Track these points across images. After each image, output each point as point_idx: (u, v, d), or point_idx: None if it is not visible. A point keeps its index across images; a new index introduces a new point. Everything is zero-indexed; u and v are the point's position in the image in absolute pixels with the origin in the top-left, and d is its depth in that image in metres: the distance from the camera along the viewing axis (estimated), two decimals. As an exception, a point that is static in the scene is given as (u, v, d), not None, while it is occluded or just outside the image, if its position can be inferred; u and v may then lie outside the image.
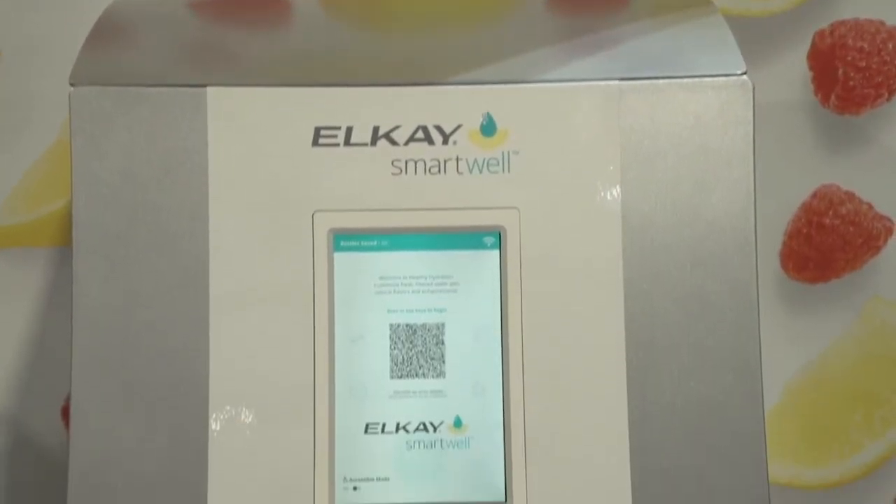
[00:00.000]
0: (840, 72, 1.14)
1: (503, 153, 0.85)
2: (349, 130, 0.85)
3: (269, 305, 0.82)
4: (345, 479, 0.82)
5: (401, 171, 0.85)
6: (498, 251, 0.85)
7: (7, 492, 1.09)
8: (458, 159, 0.85)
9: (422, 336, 0.84)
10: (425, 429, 0.84)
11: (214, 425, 0.82)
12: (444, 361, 0.84)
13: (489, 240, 0.85)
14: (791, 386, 1.15)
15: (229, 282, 0.82)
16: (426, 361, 0.84)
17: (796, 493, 1.14)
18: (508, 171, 0.84)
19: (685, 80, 0.86)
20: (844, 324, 1.15)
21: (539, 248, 0.84)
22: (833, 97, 1.15)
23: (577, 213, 0.84)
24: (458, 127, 0.85)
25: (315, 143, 0.84)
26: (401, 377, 0.84)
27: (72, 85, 0.83)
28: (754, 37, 1.14)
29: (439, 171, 0.85)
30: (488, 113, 0.85)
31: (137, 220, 0.83)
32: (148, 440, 0.81)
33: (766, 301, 1.12)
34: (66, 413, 1.10)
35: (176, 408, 0.81)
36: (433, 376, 0.84)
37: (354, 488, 0.83)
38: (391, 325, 0.84)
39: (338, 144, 0.85)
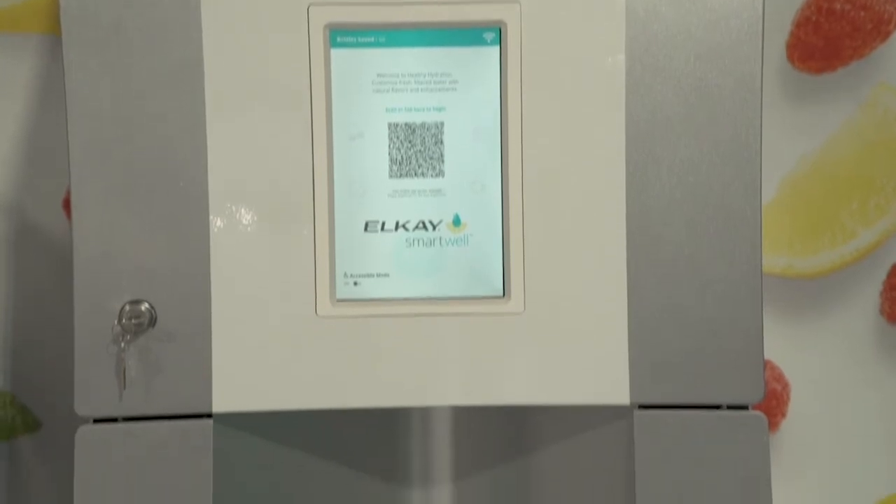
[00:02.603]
0: None
1: (504, -56, 0.81)
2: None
3: (266, 103, 0.81)
4: (345, 274, 0.84)
5: (399, -38, 0.82)
6: (498, 47, 0.83)
7: (15, 279, 1.11)
8: (457, -50, 0.82)
9: (420, 135, 0.84)
10: (424, 227, 0.84)
11: (215, 223, 0.82)
12: (443, 160, 0.84)
13: (489, 35, 0.83)
14: (789, 178, 1.15)
15: (224, 79, 0.81)
16: (425, 161, 0.84)
17: (788, 283, 1.16)
18: (509, -37, 0.82)
19: None
20: (847, 114, 1.14)
21: (540, 43, 0.82)
22: None
23: (580, 6, 0.82)
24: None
25: (309, -67, 0.81)
26: (400, 176, 0.84)
27: None
28: None
29: (438, -38, 0.82)
30: None
31: (129, 11, 0.81)
32: (149, 233, 0.82)
33: (769, 94, 1.10)
34: (67, 204, 1.10)
35: (176, 204, 0.82)
36: (432, 175, 0.84)
37: (355, 283, 0.84)
38: (390, 125, 0.83)
39: (332, -66, 0.81)
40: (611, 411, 0.84)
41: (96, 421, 0.82)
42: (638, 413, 0.83)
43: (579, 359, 0.83)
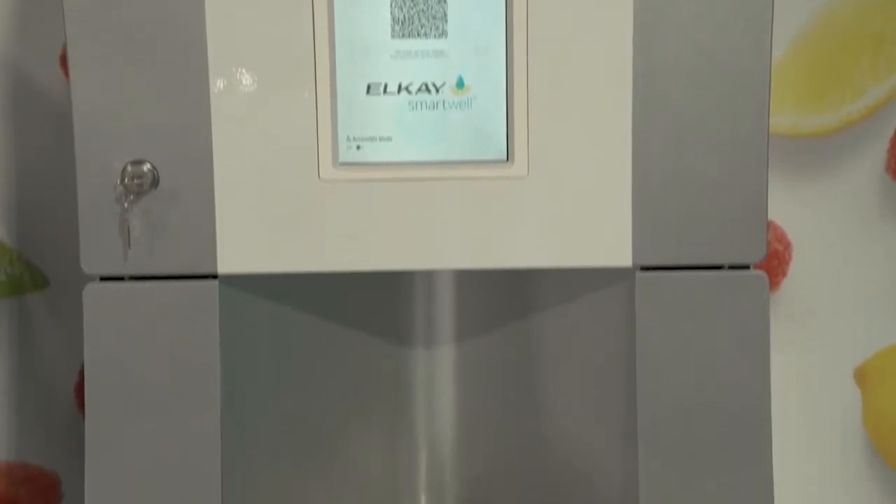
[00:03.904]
0: None
1: None
2: None
3: (265, -40, 0.80)
4: (348, 138, 0.83)
5: None
6: None
7: (16, 136, 1.11)
8: None
9: (423, -7, 0.82)
10: (427, 90, 0.83)
11: (215, 84, 0.81)
12: (446, 20, 0.82)
13: None
14: (798, 34, 1.13)
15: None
16: (428, 20, 0.82)
17: (793, 142, 1.16)
18: None
19: None
20: (862, -33, 1.12)
21: None
22: None
23: None
24: None
25: None
26: (402, 37, 0.82)
27: None
28: None
29: None
30: None
31: None
32: (149, 93, 0.81)
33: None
34: (63, 61, 1.09)
35: (175, 64, 0.81)
36: (435, 36, 0.82)
37: (358, 147, 0.84)
38: (391, -18, 0.82)
39: None
40: (612, 274, 0.85)
41: (103, 279, 0.83)
42: (640, 275, 0.84)
43: (582, 221, 0.83)
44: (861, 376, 1.18)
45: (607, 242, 0.83)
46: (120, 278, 0.83)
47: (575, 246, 0.84)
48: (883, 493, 1.19)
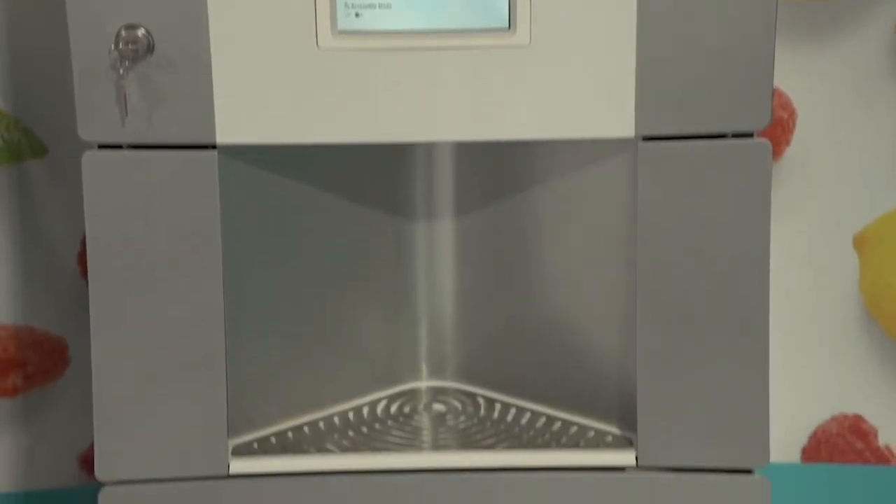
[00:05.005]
0: None
1: None
2: None
3: None
4: (346, 4, 0.81)
5: None
6: None
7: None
8: None
9: None
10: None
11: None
12: None
13: None
14: None
15: None
16: None
17: (799, 7, 1.13)
18: None
19: None
20: None
21: None
22: None
23: None
24: None
25: None
26: None
27: None
28: None
29: None
30: None
31: None
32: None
33: None
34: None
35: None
36: None
37: (356, 15, 0.82)
38: None
39: None
40: (615, 145, 0.84)
41: (101, 147, 0.83)
42: (642, 145, 0.83)
43: (585, 92, 0.82)
44: (860, 242, 1.18)
45: (610, 113, 0.82)
46: (118, 146, 0.83)
47: (577, 117, 0.83)
48: (879, 358, 1.21)
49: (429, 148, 0.97)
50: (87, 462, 1.16)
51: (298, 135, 0.83)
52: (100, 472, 0.86)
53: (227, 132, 0.82)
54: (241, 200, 0.87)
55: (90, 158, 0.83)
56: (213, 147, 0.82)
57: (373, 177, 0.96)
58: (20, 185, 1.14)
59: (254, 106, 0.82)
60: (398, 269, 1.00)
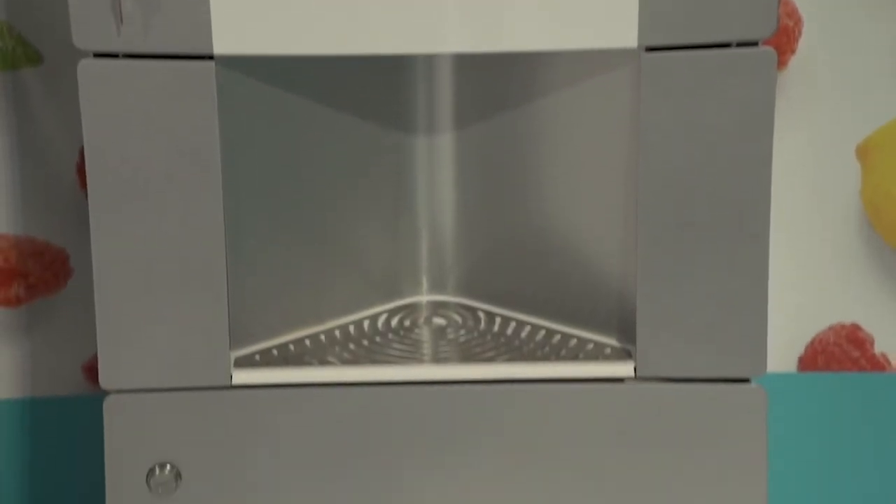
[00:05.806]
0: None
1: None
2: None
3: None
4: None
5: None
6: None
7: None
8: None
9: None
10: None
11: None
12: None
13: None
14: None
15: None
16: None
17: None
18: None
19: None
20: None
21: None
22: None
23: None
24: None
25: None
26: None
27: None
28: None
29: None
30: None
31: None
32: None
33: None
34: None
35: None
36: None
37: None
38: None
39: None
40: (617, 56, 0.83)
41: (97, 56, 0.82)
42: (645, 56, 0.82)
43: (587, 1, 0.81)
44: (863, 152, 1.17)
45: (612, 23, 0.81)
46: (114, 55, 0.82)
47: (579, 27, 0.81)
48: (879, 268, 1.21)
49: (429, 61, 0.95)
50: (91, 371, 1.17)
51: (297, 46, 0.82)
52: (104, 381, 0.87)
53: (225, 42, 0.81)
54: (239, 113, 0.86)
55: (86, 67, 0.81)
56: (211, 58, 0.81)
57: (372, 90, 0.95)
58: (14, 93, 1.12)
59: (251, 15, 0.81)
60: (398, 184, 1.00)
